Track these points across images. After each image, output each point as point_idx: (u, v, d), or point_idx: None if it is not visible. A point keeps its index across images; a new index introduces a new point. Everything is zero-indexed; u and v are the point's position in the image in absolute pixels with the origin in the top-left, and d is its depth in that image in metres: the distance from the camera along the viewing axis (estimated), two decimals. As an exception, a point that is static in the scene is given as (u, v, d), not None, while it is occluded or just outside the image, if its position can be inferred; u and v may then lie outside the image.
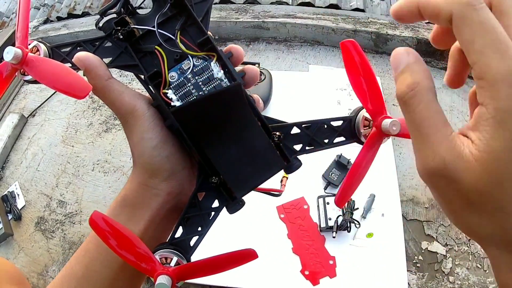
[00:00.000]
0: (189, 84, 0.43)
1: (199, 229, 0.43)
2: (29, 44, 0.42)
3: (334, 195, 1.37)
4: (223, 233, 1.34)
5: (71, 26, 2.47)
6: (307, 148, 0.47)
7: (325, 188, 1.43)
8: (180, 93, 0.43)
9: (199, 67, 0.43)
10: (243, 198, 0.44)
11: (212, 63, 0.44)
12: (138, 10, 0.46)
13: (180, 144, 0.45)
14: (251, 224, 1.39)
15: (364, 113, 0.46)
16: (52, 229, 1.75)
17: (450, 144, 0.28)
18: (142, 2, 0.48)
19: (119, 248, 0.37)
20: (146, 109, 0.43)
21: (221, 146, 0.43)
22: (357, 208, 1.36)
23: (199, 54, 0.43)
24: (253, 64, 1.68)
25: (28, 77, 0.41)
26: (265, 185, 0.47)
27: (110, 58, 0.44)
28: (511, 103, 0.24)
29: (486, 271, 1.43)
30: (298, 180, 1.47)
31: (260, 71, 1.64)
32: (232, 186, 0.43)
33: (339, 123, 0.47)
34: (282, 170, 0.46)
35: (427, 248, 1.47)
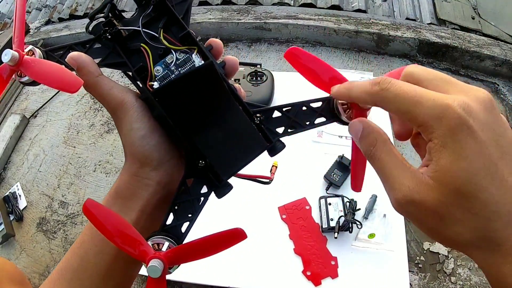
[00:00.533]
0: (172, 76, 0.46)
1: (190, 215, 0.45)
2: (25, 48, 0.45)
3: (336, 195, 1.37)
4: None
5: (73, 27, 2.47)
6: (289, 130, 0.49)
7: (327, 189, 1.43)
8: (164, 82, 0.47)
9: (182, 59, 0.47)
10: (230, 182, 0.46)
11: (193, 55, 0.47)
12: (124, 15, 0.50)
13: (168, 134, 0.47)
14: (253, 224, 1.39)
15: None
16: (53, 229, 1.75)
17: (411, 174, 0.34)
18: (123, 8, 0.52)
19: (112, 235, 0.39)
20: (134, 101, 0.46)
21: (205, 130, 0.45)
22: (359, 209, 1.36)
23: (181, 48, 0.47)
24: (255, 65, 1.69)
25: (25, 78, 0.44)
26: (255, 172, 0.50)
27: (100, 58, 0.48)
28: (443, 130, 0.31)
29: (488, 272, 1.42)
30: (300, 181, 1.47)
31: (262, 72, 1.64)
32: (218, 168, 0.45)
33: (319, 104, 0.50)
34: (272, 158, 0.49)
35: (429, 248, 1.47)
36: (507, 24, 2.08)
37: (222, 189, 0.46)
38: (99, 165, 1.90)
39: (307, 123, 0.49)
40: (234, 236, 0.41)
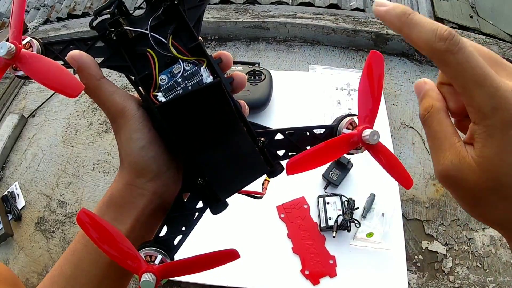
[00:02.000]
0: (178, 88, 0.44)
1: (183, 228, 0.44)
2: (23, 40, 0.42)
3: (334, 194, 1.37)
4: (223, 233, 1.34)
5: (71, 26, 2.47)
6: (289, 153, 0.48)
7: (325, 188, 1.43)
8: (170, 96, 0.44)
9: (189, 71, 0.44)
10: (226, 200, 0.46)
11: (202, 69, 0.45)
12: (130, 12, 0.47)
13: (167, 147, 0.46)
14: (251, 223, 1.39)
15: (346, 121, 0.46)
16: (52, 229, 1.75)
17: (456, 150, 0.34)
18: (138, 7, 0.49)
19: (105, 246, 0.38)
20: (135, 110, 0.44)
21: (207, 149, 0.44)
22: (357, 208, 1.36)
23: (190, 58, 0.44)
24: (253, 64, 1.69)
25: (20, 73, 0.42)
26: (247, 187, 0.48)
27: (102, 58, 0.45)
28: (495, 122, 0.31)
29: (486, 270, 1.43)
30: (298, 179, 1.47)
31: (260, 71, 1.63)
32: (216, 188, 0.44)
33: (322, 131, 0.48)
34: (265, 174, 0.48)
35: (427, 247, 1.47)
36: (505, 22, 2.09)
37: (218, 206, 0.45)
38: (98, 164, 1.90)
39: (308, 147, 0.48)
40: (227, 256, 0.40)
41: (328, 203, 1.35)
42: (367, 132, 0.40)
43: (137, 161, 0.44)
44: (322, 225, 1.33)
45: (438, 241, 1.49)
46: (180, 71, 0.44)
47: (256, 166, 0.46)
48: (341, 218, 1.31)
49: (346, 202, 1.35)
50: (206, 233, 1.29)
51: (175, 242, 0.43)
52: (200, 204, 0.45)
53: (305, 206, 1.41)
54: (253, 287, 1.28)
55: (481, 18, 2.10)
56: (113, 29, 0.43)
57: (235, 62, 1.78)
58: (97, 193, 1.81)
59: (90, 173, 1.88)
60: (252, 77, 1.62)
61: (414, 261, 1.45)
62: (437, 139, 0.36)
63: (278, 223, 1.39)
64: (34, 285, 1.63)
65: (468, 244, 1.48)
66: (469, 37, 1.95)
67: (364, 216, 1.37)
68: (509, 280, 1.41)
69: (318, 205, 1.38)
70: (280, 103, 1.67)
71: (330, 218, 1.32)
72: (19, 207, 1.83)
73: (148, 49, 0.44)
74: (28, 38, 0.43)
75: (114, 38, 0.43)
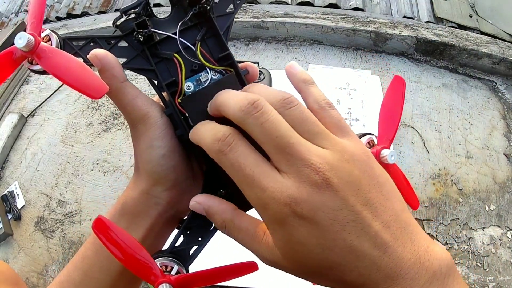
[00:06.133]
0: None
1: (200, 239, 0.43)
2: (42, 32, 0.39)
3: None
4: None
5: (70, 26, 2.47)
6: None
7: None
8: None
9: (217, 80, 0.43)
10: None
11: None
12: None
13: (186, 154, 0.45)
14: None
15: (365, 139, 0.46)
16: (51, 228, 1.75)
17: (266, 247, 0.35)
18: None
19: (122, 255, 0.37)
20: (159, 116, 0.42)
21: None
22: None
23: (218, 68, 0.43)
24: (253, 63, 1.69)
25: (37, 67, 0.39)
26: None
27: (124, 59, 0.43)
28: (269, 218, 0.33)
29: (486, 269, 1.43)
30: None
31: (260, 71, 1.63)
32: (237, 200, 0.42)
33: None
34: None
35: (426, 247, 1.47)
36: (504, 22, 2.09)
37: None
38: (97, 163, 1.90)
39: None
40: (246, 268, 0.40)
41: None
42: (385, 152, 0.40)
43: (156, 170, 0.43)
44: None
45: (438, 240, 1.49)
46: (207, 80, 0.43)
47: None
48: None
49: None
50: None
51: (191, 252, 0.42)
52: None
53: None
54: (253, 286, 1.28)
55: (481, 17, 2.11)
56: (140, 30, 0.41)
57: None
58: (96, 193, 1.81)
59: (90, 173, 1.88)
60: (252, 77, 1.62)
61: (414, 260, 1.45)
62: (247, 245, 0.36)
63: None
64: (34, 285, 1.63)
65: (468, 243, 1.49)
66: (469, 36, 1.96)
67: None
68: (509, 280, 1.41)
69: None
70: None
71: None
72: (19, 206, 1.83)
73: (174, 54, 0.42)
74: (48, 31, 0.40)
75: (141, 39, 0.41)
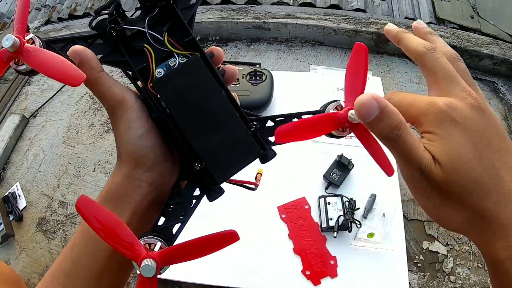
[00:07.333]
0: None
1: (181, 217, 0.45)
2: (26, 36, 0.44)
3: (335, 195, 1.37)
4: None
5: (72, 27, 2.47)
6: None
7: (326, 188, 1.43)
8: None
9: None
10: (222, 186, 0.47)
11: None
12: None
13: (163, 137, 0.48)
14: (252, 224, 1.38)
15: (333, 105, 0.48)
16: (53, 229, 1.76)
17: (427, 153, 0.37)
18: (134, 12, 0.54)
19: (105, 233, 0.39)
20: (134, 100, 0.47)
21: (202, 134, 0.46)
22: (358, 208, 1.36)
23: (184, 52, 0.48)
24: (254, 64, 1.69)
25: (22, 67, 0.43)
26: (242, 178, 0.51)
27: (101, 55, 0.48)
28: (432, 123, 0.37)
29: (487, 270, 1.42)
30: (299, 180, 1.47)
31: (261, 72, 1.64)
32: (213, 171, 0.46)
33: (310, 116, 0.49)
34: (256, 167, 0.51)
35: (428, 248, 1.47)
36: (506, 23, 2.09)
37: (214, 193, 0.47)
38: (99, 165, 1.90)
39: None
40: (227, 238, 0.41)
41: (329, 203, 1.35)
42: (352, 112, 0.41)
43: (135, 150, 0.46)
44: (323, 226, 1.33)
45: (439, 242, 1.49)
46: (175, 64, 0.48)
47: (249, 149, 0.47)
48: (342, 218, 1.31)
49: (347, 203, 1.35)
50: (205, 234, 1.28)
51: (174, 230, 0.44)
52: (197, 192, 0.47)
53: (306, 207, 1.41)
54: (254, 287, 1.28)
55: (482, 18, 2.10)
56: (113, 26, 0.46)
57: (236, 63, 1.78)
58: (98, 194, 1.81)
59: (91, 174, 1.89)
60: (253, 78, 1.62)
61: (415, 261, 1.44)
62: (413, 149, 0.37)
63: (279, 224, 1.39)
64: (35, 286, 1.63)
65: (469, 244, 1.48)
66: (470, 37, 1.95)
67: (365, 216, 1.37)
68: (510, 281, 1.41)
69: (319, 206, 1.38)
70: (281, 103, 1.67)
71: (331, 219, 1.32)
72: (20, 207, 1.83)
73: (145, 45, 0.48)
74: (31, 35, 0.44)
75: (114, 34, 0.46)
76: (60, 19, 2.63)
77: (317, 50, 2.07)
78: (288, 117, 0.49)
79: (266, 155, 0.49)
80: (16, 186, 1.91)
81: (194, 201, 0.46)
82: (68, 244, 0.47)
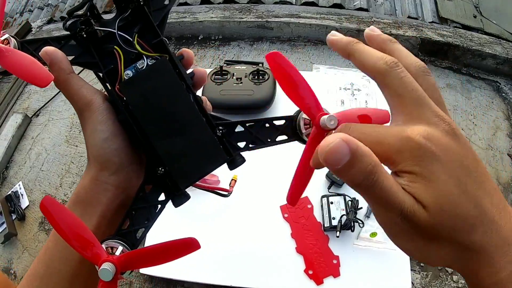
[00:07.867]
0: None
1: (146, 221, 0.45)
2: (1, 37, 0.45)
3: (338, 194, 1.37)
4: (226, 233, 1.34)
5: (75, 26, 2.47)
6: (250, 145, 0.49)
7: (329, 188, 1.43)
8: None
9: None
10: (187, 192, 0.47)
11: None
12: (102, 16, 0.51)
13: (130, 140, 0.48)
14: (254, 223, 1.38)
15: (304, 114, 0.47)
16: (56, 228, 1.76)
17: (408, 196, 0.32)
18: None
19: (67, 235, 0.39)
20: (101, 103, 0.47)
21: (167, 138, 0.46)
22: (361, 208, 1.36)
23: (153, 54, 0.47)
24: (257, 63, 1.69)
25: None
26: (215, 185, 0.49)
27: (73, 56, 0.48)
28: (411, 162, 0.32)
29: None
30: (302, 179, 1.47)
31: (264, 71, 1.63)
32: (176, 177, 0.46)
33: (282, 122, 0.49)
34: (231, 172, 0.50)
35: (431, 247, 1.47)
36: (509, 22, 2.08)
37: (179, 198, 0.47)
38: (101, 164, 1.90)
39: (269, 140, 0.49)
40: (187, 246, 0.40)
41: (331, 203, 1.35)
42: (323, 117, 0.39)
43: (100, 153, 0.46)
44: (325, 225, 1.33)
45: (442, 241, 1.48)
46: (143, 66, 0.47)
47: (215, 155, 0.47)
48: (344, 218, 1.31)
49: (349, 202, 1.35)
50: (208, 233, 1.30)
51: (138, 235, 0.44)
52: (162, 197, 0.47)
53: (309, 206, 1.41)
54: (256, 287, 1.28)
55: (485, 18, 2.10)
56: (84, 27, 0.46)
57: (239, 62, 1.78)
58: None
59: (94, 173, 1.88)
60: (256, 77, 1.62)
61: (418, 261, 1.44)
62: (393, 189, 0.32)
63: (281, 223, 1.39)
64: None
65: (472, 244, 1.48)
66: (473, 36, 1.95)
67: (367, 216, 1.37)
68: None
69: (321, 205, 1.38)
70: (283, 103, 1.66)
71: (333, 218, 1.32)
72: (23, 206, 1.84)
73: (115, 47, 0.47)
74: (6, 35, 0.45)
75: (85, 36, 0.46)
76: (63, 18, 2.63)
77: (320, 49, 2.07)
78: (258, 122, 0.49)
79: (234, 161, 0.48)
80: (19, 185, 1.91)
81: (159, 206, 0.46)
82: (42, 247, 0.48)
